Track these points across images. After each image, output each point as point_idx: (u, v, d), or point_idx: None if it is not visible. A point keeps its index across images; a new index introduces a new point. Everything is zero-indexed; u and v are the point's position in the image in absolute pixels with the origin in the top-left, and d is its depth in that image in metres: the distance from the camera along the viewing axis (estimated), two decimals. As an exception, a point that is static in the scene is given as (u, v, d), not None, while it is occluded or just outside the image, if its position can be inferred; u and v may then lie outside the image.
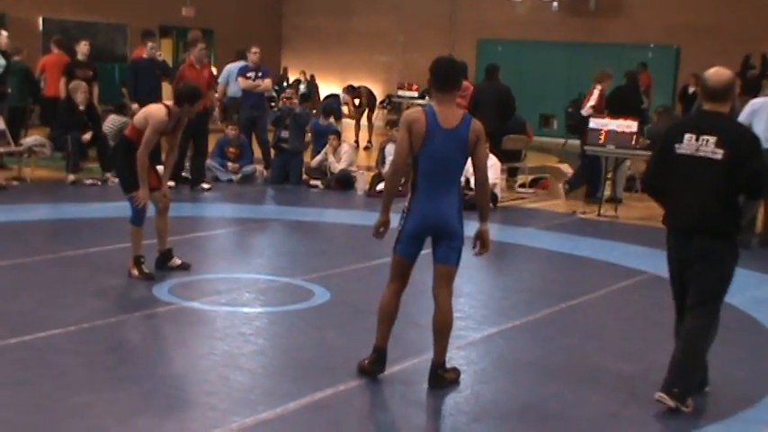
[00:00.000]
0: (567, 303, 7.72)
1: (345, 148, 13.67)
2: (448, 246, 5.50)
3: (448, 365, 5.70)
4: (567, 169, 14.10)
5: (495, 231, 10.97)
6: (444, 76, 5.44)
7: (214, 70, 14.81)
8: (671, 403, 5.29)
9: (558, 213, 12.34)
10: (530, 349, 6.53)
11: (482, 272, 9.22)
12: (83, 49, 13.80)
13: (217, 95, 14.34)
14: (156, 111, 7.68)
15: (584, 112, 13.05)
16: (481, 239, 5.64)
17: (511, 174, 14.49)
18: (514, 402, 5.50)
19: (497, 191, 12.52)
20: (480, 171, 5.48)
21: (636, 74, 15.32)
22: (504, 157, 13.45)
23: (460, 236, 5.50)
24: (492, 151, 12.81)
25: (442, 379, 5.59)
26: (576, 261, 9.54)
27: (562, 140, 21.08)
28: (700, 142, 5.33)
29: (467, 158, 5.44)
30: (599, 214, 12.14)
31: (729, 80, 5.42)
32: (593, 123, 12.39)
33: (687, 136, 5.38)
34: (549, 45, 23.32)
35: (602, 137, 12.19)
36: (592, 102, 13.15)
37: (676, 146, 5.41)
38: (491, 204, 12.18)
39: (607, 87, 13.46)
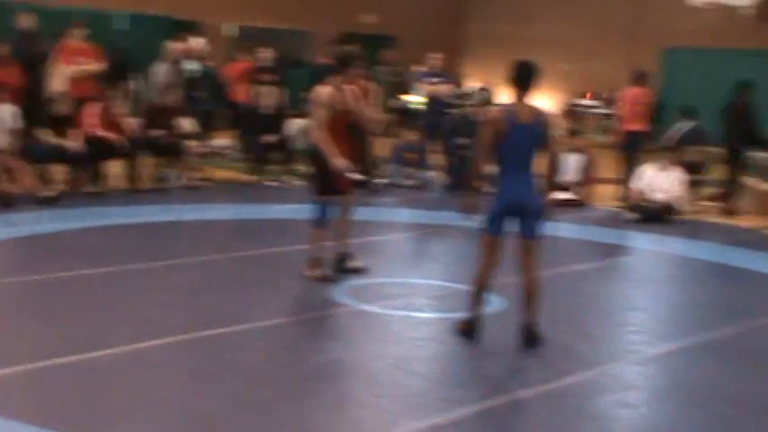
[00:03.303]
0: (753, 323, 7.40)
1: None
2: (528, 223, 6.22)
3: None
4: (752, 183, 13.49)
5: (676, 245, 10.74)
6: (523, 79, 6.22)
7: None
8: None
9: (743, 229, 11.86)
10: (711, 369, 6.27)
11: (660, 286, 8.98)
12: (264, 55, 14.22)
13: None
14: (320, 89, 7.77)
15: None
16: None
17: (693, 186, 14.02)
18: (692, 423, 5.31)
19: (680, 203, 12.17)
20: (554, 153, 6.31)
21: None
22: (686, 169, 13.03)
23: (539, 213, 6.24)
24: (679, 163, 12.51)
25: (536, 333, 6.30)
26: (761, 279, 9.13)
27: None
28: None
29: (540, 148, 6.19)
30: (789, 231, 11.61)
31: None
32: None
33: None
34: (742, 53, 22.37)
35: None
36: None
37: None
38: (672, 217, 11.95)
39: None
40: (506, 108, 6.22)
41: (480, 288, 6.40)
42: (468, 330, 6.45)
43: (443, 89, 13.98)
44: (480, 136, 6.29)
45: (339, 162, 7.64)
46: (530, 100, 6.24)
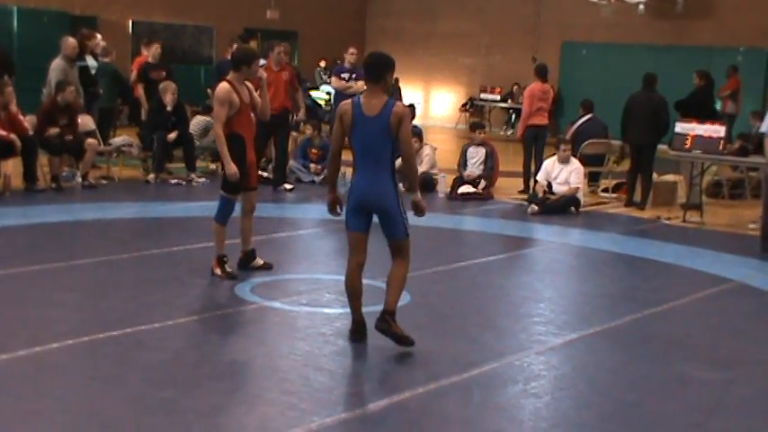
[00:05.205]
0: (651, 310, 7.60)
1: (427, 150, 13.61)
2: (384, 221, 6.13)
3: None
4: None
5: (578, 236, 10.95)
6: (371, 70, 6.07)
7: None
8: None
9: (642, 219, 12.16)
10: (611, 356, 6.44)
11: (563, 277, 9.14)
12: (153, 52, 14.06)
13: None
14: (219, 87, 7.71)
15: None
16: (415, 206, 6.21)
17: (593, 178, 14.33)
18: (595, 409, 5.43)
19: (580, 195, 12.41)
20: (405, 149, 6.04)
21: (708, 74, 14.79)
22: (586, 161, 13.29)
23: (396, 210, 6.09)
24: (575, 156, 12.76)
25: (389, 326, 6.08)
26: (659, 267, 9.38)
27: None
28: None
29: (393, 140, 6.00)
30: (684, 220, 11.93)
31: None
32: (679, 128, 12.16)
33: None
34: (634, 48, 22.96)
35: (689, 142, 11.97)
36: None
37: None
38: (573, 209, 12.20)
39: None
40: (354, 101, 6.08)
41: (348, 287, 6.26)
42: (353, 333, 6.30)
43: (356, 85, 13.93)
44: (333, 130, 6.20)
45: (230, 168, 7.60)
46: (380, 92, 6.05)
